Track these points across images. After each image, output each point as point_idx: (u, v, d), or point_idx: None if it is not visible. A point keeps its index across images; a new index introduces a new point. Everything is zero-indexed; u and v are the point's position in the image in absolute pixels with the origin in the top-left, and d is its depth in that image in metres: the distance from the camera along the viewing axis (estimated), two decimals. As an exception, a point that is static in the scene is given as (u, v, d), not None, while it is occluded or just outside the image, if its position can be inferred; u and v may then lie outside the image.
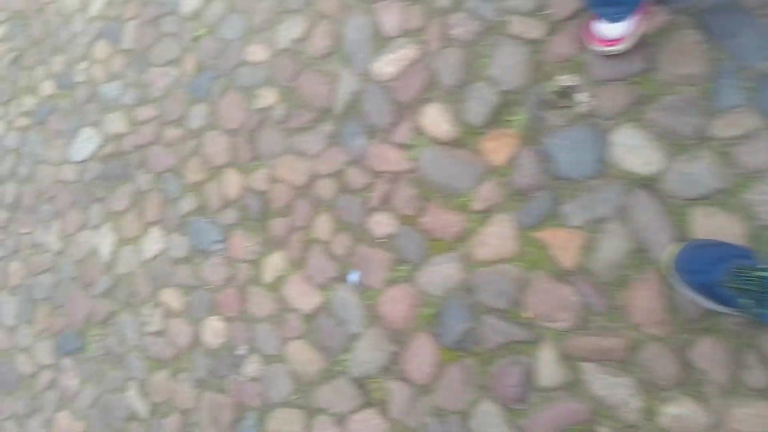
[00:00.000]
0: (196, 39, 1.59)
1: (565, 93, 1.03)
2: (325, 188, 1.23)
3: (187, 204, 1.43)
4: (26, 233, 1.75)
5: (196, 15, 1.62)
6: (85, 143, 1.71)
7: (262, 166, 1.35)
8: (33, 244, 1.72)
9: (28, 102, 1.95)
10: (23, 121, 1.93)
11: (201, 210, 1.41)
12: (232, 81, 1.46)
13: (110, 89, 1.73)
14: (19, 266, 1.74)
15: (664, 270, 0.88)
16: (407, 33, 1.22)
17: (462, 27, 1.15)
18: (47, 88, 1.91)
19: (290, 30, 1.40)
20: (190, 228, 1.41)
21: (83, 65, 1.84)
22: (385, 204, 1.15)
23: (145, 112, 1.61)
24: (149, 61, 1.66)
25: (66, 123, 1.79)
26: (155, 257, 1.45)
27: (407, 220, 1.12)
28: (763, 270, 0.72)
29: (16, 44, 2.11)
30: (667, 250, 0.88)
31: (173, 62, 1.61)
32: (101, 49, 1.81)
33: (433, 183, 1.11)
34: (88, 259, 1.57)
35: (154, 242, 1.46)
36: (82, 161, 1.69)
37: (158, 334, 1.40)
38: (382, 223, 1.14)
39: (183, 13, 1.65)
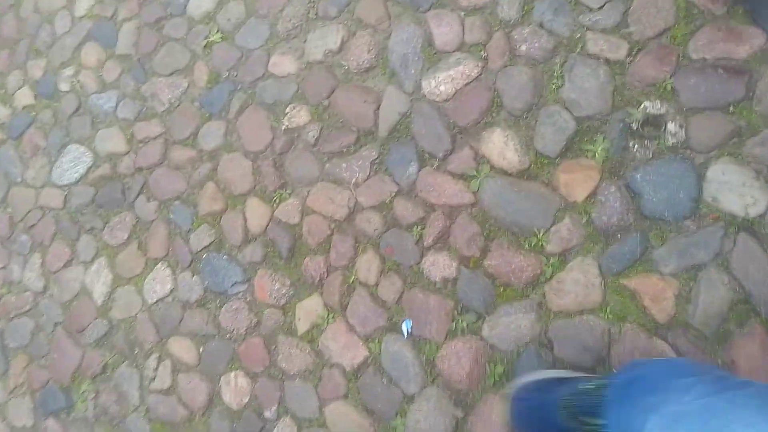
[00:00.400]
0: (208, 46, 1.68)
1: (652, 121, 1.12)
2: (370, 222, 1.31)
3: (201, 238, 1.50)
4: (-1, 268, 1.81)
5: (207, 18, 1.72)
6: (73, 163, 1.79)
7: (292, 195, 1.42)
8: (7, 281, 1.78)
9: (0, 113, 2.04)
10: (-7, 135, 2.01)
11: (218, 245, 1.48)
12: (254, 95, 1.55)
13: (103, 100, 1.82)
14: (-11, 307, 1.79)
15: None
16: (465, 47, 1.32)
17: (530, 43, 1.25)
18: (24, 97, 2.00)
19: (324, 40, 1.50)
20: (205, 266, 1.47)
21: (69, 71, 1.94)
22: (443, 242, 1.23)
23: (148, 128, 1.70)
24: (151, 70, 1.76)
25: (48, 139, 1.88)
26: (162, 300, 1.51)
27: (469, 262, 1.19)
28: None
29: (-17, 44, 2.21)
30: None
31: (181, 71, 1.71)
32: (91, 53, 1.91)
33: (499, 219, 1.19)
34: (78, 300, 1.63)
35: (160, 282, 1.52)
36: (69, 184, 1.77)
37: (166, 391, 1.45)
38: (439, 265, 1.21)
39: (191, 15, 1.75)
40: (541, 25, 1.25)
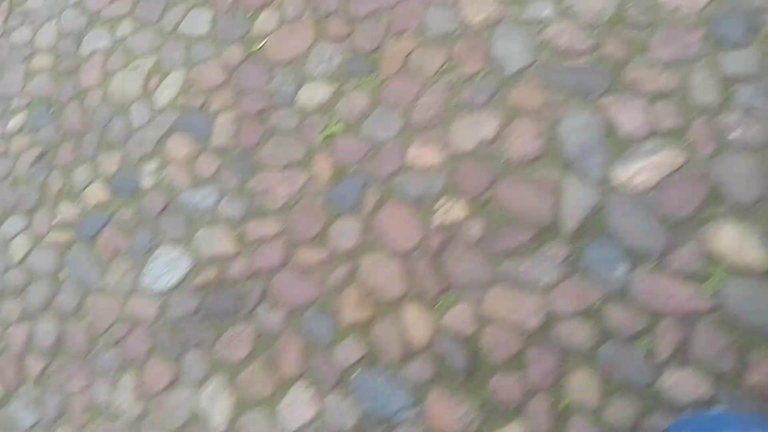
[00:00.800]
0: (329, 138, 1.53)
1: None
2: (575, 333, 1.11)
3: (349, 352, 1.27)
4: (78, 390, 1.52)
5: (323, 109, 1.58)
6: (168, 267, 1.56)
7: (459, 300, 1.22)
8: (92, 405, 1.49)
9: (67, 211, 1.82)
10: (59, 236, 1.78)
11: (371, 360, 1.25)
12: (392, 190, 1.39)
13: (199, 197, 1.63)
14: (65, 441, 1.48)
15: None
16: (660, 134, 1.19)
17: (743, 129, 1.13)
18: (96, 193, 1.79)
19: (475, 129, 1.37)
20: (359, 386, 1.23)
21: (151, 166, 1.75)
22: (682, 357, 1.03)
23: (262, 227, 1.50)
24: (259, 163, 1.59)
25: (132, 240, 1.66)
26: (306, 427, 1.25)
27: (725, 381, 0.99)
28: None
29: (42, 137, 2.02)
30: None
31: (297, 165, 1.54)
32: (178, 145, 1.74)
33: (752, 328, 1.01)
34: (189, 428, 1.35)
35: (300, 406, 1.27)
36: (164, 292, 1.53)
37: None
38: (684, 384, 1.01)
39: (303, 106, 1.61)
40: (749, 111, 1.14)
